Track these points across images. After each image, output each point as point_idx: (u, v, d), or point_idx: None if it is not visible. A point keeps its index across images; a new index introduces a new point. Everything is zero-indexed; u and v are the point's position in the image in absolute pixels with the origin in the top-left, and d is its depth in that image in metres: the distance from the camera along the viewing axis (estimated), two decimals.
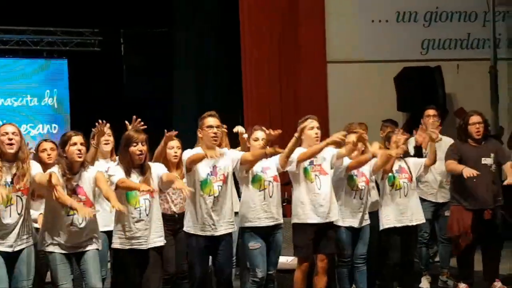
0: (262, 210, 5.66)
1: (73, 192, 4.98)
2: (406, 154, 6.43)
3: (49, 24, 12.36)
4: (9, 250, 4.95)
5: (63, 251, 5.01)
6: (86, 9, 12.03)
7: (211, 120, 5.47)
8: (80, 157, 5.03)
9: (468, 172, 6.07)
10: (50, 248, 5.03)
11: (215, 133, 5.45)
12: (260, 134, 5.74)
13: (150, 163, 5.29)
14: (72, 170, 5.04)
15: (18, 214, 4.95)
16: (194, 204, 5.41)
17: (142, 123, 5.57)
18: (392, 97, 9.54)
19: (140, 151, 5.10)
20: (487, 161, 6.29)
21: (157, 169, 5.25)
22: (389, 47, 10.01)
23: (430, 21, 10.18)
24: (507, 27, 10.31)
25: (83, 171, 5.08)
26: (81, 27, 12.62)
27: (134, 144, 5.10)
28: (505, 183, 6.18)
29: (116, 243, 5.15)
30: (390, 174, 6.21)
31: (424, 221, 6.45)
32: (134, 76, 12.59)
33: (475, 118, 6.42)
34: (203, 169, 5.42)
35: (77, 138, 5.04)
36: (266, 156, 5.52)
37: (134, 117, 5.59)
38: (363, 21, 9.99)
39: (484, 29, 10.11)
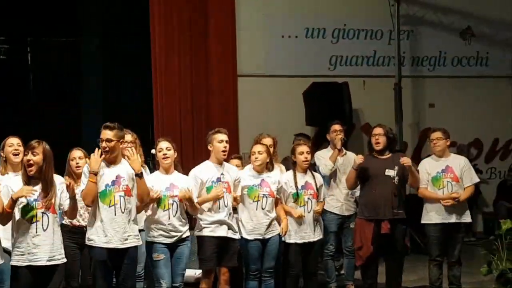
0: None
1: None
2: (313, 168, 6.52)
3: None
4: None
5: None
6: None
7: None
8: None
9: (359, 159, 6.39)
10: None
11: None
12: (163, 144, 5.74)
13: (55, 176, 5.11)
14: None
15: None
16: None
17: None
18: (301, 112, 9.63)
19: (28, 160, 4.93)
20: (390, 172, 6.39)
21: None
22: (298, 62, 10.11)
23: (338, 38, 10.39)
24: (411, 45, 10.66)
25: None
26: None
27: (25, 153, 4.97)
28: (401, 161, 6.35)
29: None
30: (294, 191, 6.25)
31: (321, 236, 6.47)
32: (41, 84, 12.33)
33: (376, 130, 6.57)
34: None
35: None
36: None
37: None
38: (273, 36, 10.07)
39: (389, 47, 10.38)
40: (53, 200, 4.92)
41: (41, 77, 12.52)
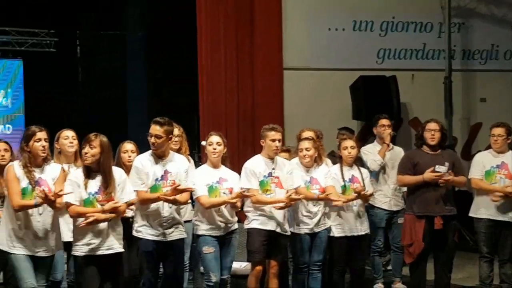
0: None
1: (36, 184, 4.91)
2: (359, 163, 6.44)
3: (4, 24, 12.15)
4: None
5: None
6: (42, 10, 11.87)
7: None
8: (44, 153, 4.97)
9: (429, 176, 6.14)
10: None
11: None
12: (215, 138, 5.71)
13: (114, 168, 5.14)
14: (35, 163, 4.98)
15: None
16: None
17: None
18: (347, 106, 9.52)
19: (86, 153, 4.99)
20: (441, 169, 6.24)
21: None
22: (345, 55, 9.96)
23: (386, 30, 10.20)
24: (462, 38, 10.40)
25: (46, 165, 5.03)
26: (36, 27, 12.43)
27: (83, 146, 5.02)
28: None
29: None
30: (342, 183, 6.21)
31: (368, 231, 6.41)
32: (89, 76, 12.52)
33: (431, 125, 6.39)
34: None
35: (42, 134, 4.98)
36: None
37: None
38: (320, 28, 9.93)
39: (439, 40, 10.17)
40: (113, 193, 4.95)
41: (89, 69, 12.71)
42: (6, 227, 4.96)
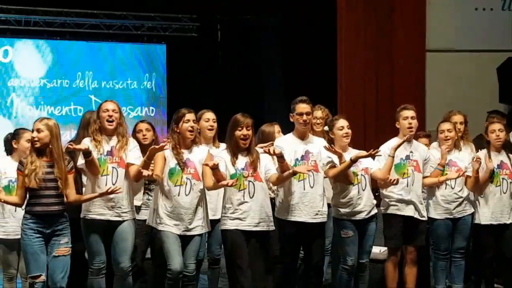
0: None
1: (184, 165, 5.11)
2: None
3: (150, 10, 12.61)
4: (110, 217, 5.12)
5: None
6: None
7: (302, 107, 5.44)
8: (192, 134, 5.17)
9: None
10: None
11: (304, 120, 5.42)
12: (343, 122, 5.68)
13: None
14: (184, 145, 5.18)
15: (113, 184, 5.07)
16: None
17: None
18: (493, 88, 9.19)
19: (244, 135, 5.14)
20: None
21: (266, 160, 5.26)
22: (493, 36, 9.59)
23: None
24: None
25: (195, 146, 5.22)
26: (179, 13, 12.81)
27: (239, 128, 5.13)
28: None
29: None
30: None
31: None
32: (229, 61, 12.73)
33: None
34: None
35: (190, 116, 5.20)
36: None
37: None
38: (466, 8, 9.61)
39: None
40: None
41: (229, 54, 12.92)
42: (156, 205, 5.17)
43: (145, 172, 4.98)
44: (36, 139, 4.83)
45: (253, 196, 5.12)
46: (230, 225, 5.12)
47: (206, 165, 4.97)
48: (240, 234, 5.08)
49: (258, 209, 5.12)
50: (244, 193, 5.11)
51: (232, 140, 5.18)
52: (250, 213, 5.10)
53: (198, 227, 5.17)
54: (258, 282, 5.13)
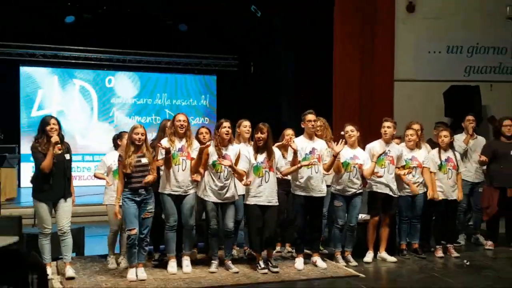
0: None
1: (222, 157, 5.07)
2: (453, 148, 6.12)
3: (205, 51, 12.68)
4: (180, 193, 5.10)
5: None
6: (228, 41, 12.19)
7: (310, 117, 5.38)
8: (227, 136, 5.13)
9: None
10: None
11: (312, 125, 5.38)
12: (349, 127, 5.60)
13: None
14: (222, 144, 5.15)
15: (183, 170, 5.09)
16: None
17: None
18: (440, 107, 9.02)
19: (258, 137, 5.14)
20: None
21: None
22: (441, 70, 9.42)
23: (472, 53, 9.53)
24: None
25: (230, 145, 5.19)
26: (225, 54, 12.87)
27: (257, 132, 5.18)
28: None
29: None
30: (439, 162, 5.93)
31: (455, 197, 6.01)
32: (259, 87, 12.56)
33: (507, 122, 6.16)
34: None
35: (226, 123, 5.17)
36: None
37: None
38: (422, 51, 9.43)
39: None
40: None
41: (259, 82, 12.75)
42: (203, 183, 5.17)
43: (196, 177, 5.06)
44: (139, 136, 4.86)
45: (267, 181, 5.13)
46: (250, 201, 5.15)
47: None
48: (256, 207, 5.12)
49: (270, 190, 5.14)
50: (262, 179, 5.12)
51: (254, 141, 5.22)
52: (265, 192, 5.13)
53: (231, 197, 5.18)
54: (271, 232, 5.17)
